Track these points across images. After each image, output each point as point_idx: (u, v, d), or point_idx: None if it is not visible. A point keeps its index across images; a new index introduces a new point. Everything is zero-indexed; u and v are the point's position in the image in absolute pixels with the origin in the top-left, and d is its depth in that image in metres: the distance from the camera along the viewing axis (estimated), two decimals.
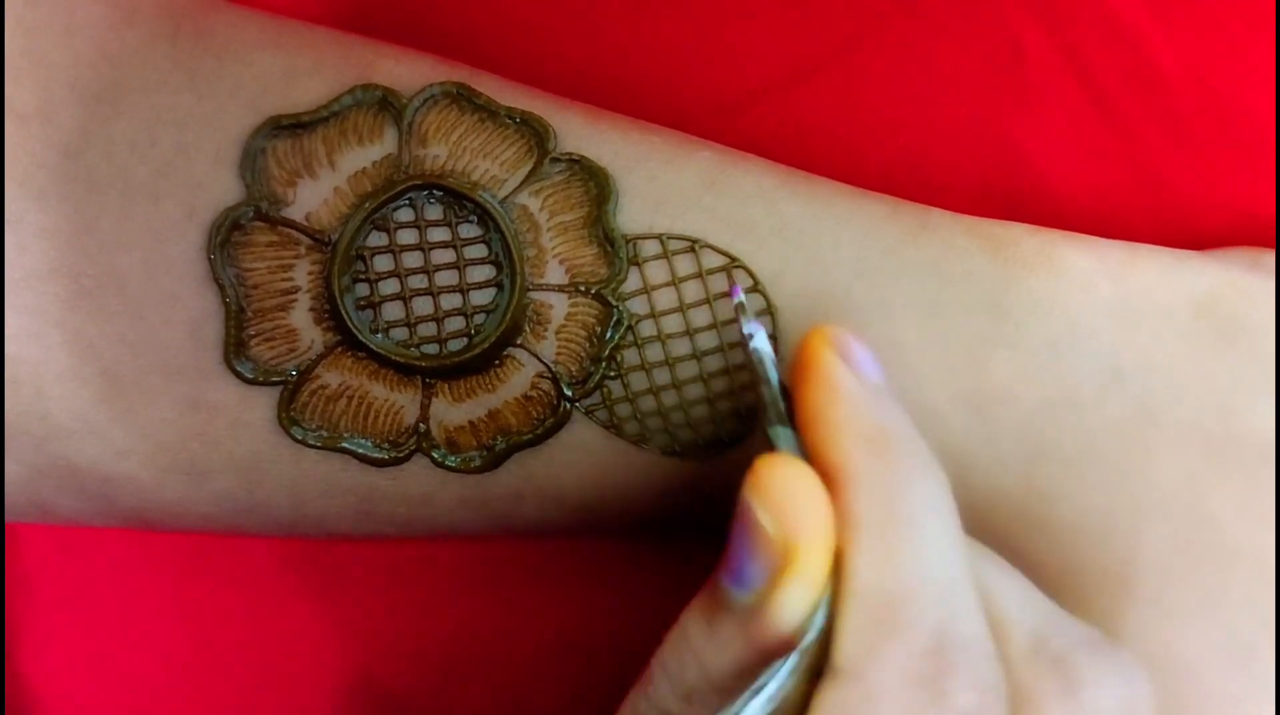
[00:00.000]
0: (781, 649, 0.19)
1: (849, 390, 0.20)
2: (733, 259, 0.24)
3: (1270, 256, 0.26)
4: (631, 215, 0.24)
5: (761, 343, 0.22)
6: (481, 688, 0.31)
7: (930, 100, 0.29)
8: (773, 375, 0.21)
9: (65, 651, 0.31)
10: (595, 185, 0.24)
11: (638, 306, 0.23)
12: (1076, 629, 0.21)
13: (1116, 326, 0.24)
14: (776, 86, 0.29)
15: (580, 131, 0.24)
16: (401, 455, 0.23)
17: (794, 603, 0.19)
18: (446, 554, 0.31)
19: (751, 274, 0.24)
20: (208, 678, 0.31)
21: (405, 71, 0.24)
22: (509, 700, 0.31)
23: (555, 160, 0.24)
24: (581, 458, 0.24)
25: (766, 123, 0.29)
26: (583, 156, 0.24)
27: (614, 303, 0.23)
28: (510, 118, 0.24)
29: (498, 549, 0.31)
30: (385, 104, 0.23)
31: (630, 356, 0.23)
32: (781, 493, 0.19)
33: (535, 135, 0.24)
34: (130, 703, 0.31)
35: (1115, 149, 0.28)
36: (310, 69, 0.24)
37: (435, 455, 0.23)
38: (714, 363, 0.24)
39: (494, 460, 0.24)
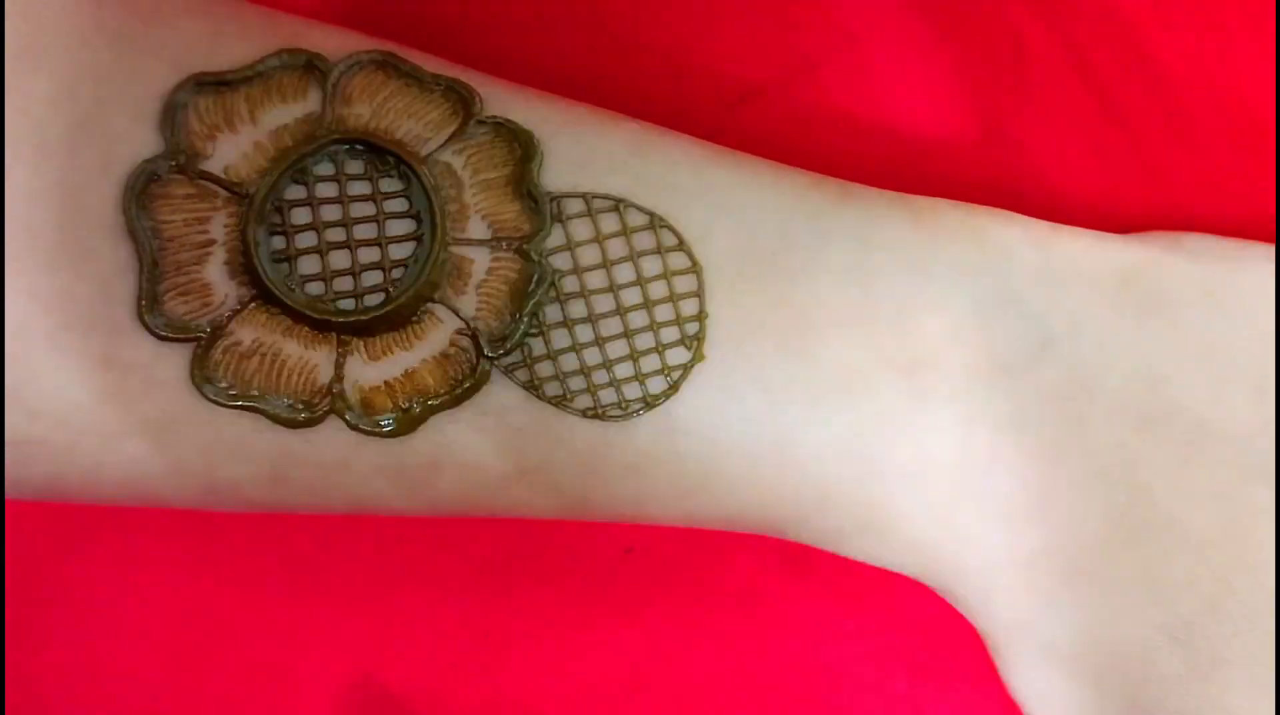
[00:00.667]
0: None
1: None
2: (657, 217, 0.23)
3: (1191, 238, 0.26)
4: (557, 175, 0.23)
5: None
6: (482, 689, 0.30)
7: (931, 96, 0.29)
8: None
9: (65, 650, 0.31)
10: (520, 145, 0.23)
11: (561, 262, 0.23)
12: None
13: (1044, 292, 0.24)
14: (777, 81, 0.29)
15: (507, 97, 0.24)
16: (315, 416, 0.23)
17: None
18: (448, 554, 0.31)
19: (676, 232, 0.23)
20: (208, 677, 0.31)
21: (334, 42, 0.24)
22: (510, 703, 0.30)
23: (480, 123, 0.24)
24: (500, 422, 0.23)
25: (767, 117, 0.29)
26: (508, 119, 0.24)
27: (536, 258, 0.23)
28: (436, 82, 0.24)
29: (500, 549, 0.30)
30: (311, 67, 0.23)
31: (553, 313, 0.23)
32: None
33: (460, 99, 0.24)
34: (130, 702, 0.31)
35: (1116, 144, 0.28)
36: (237, 34, 0.24)
37: (349, 417, 0.23)
38: (638, 319, 0.23)
39: (409, 424, 0.23)
